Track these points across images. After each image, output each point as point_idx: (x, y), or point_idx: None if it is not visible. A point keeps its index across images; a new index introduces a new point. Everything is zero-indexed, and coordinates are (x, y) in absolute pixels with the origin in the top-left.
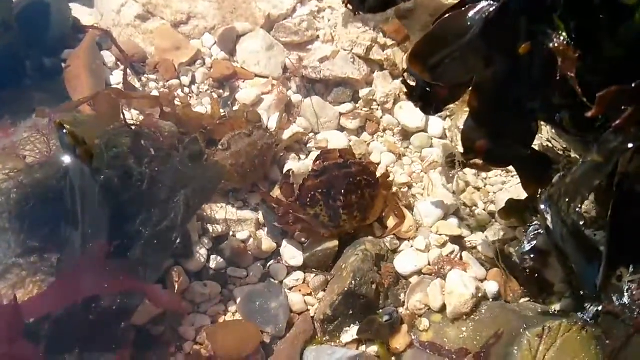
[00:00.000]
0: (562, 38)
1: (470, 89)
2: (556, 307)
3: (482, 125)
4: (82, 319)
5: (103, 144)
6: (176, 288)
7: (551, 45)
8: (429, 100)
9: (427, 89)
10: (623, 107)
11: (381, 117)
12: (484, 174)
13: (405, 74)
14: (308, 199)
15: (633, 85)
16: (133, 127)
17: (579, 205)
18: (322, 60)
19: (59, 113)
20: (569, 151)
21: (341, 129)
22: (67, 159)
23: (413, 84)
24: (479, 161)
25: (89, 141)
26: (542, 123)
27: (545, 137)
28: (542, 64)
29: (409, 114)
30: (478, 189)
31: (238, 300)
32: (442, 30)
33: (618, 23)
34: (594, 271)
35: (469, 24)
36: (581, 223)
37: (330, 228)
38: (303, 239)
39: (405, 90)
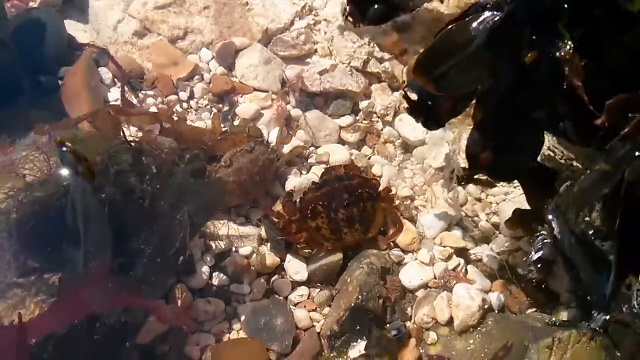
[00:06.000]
0: (568, 47)
1: (475, 100)
2: (563, 317)
3: (487, 137)
4: (85, 338)
5: (105, 161)
6: (179, 305)
7: (557, 54)
8: (430, 114)
9: (429, 102)
10: (630, 115)
11: (381, 130)
12: None
13: (406, 88)
14: (309, 211)
15: None
16: (133, 144)
17: (588, 215)
18: (321, 73)
19: (58, 130)
20: (572, 160)
21: (342, 142)
22: (67, 177)
23: (414, 97)
24: (482, 177)
25: (89, 159)
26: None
27: (546, 145)
28: (547, 72)
29: (410, 126)
30: (479, 199)
31: (242, 318)
32: (445, 41)
33: (623, 30)
34: (603, 280)
35: (472, 34)
36: (590, 232)
37: (332, 241)
38: (307, 250)
39: (406, 105)
